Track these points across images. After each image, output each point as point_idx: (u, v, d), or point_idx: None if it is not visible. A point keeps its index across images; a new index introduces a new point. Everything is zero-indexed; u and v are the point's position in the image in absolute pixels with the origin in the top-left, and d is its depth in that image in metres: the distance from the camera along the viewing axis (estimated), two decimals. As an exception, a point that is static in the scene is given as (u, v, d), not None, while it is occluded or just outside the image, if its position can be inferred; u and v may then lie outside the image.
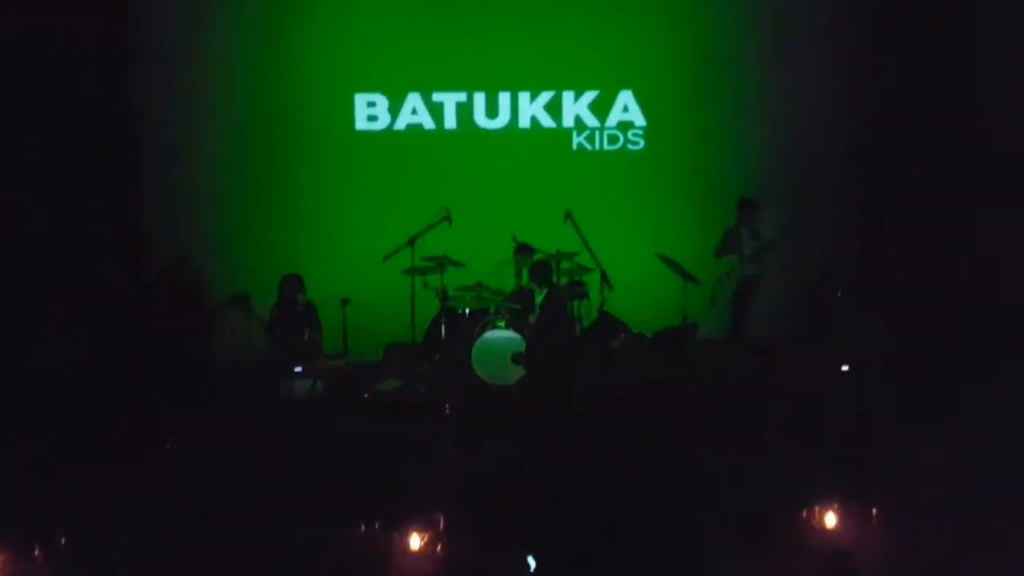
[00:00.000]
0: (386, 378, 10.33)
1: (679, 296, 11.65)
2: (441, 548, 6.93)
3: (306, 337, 9.75)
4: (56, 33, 10.68)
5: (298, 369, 9.40)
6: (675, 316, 11.81)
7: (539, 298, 10.51)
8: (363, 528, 6.96)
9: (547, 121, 12.14)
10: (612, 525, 6.85)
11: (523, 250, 11.21)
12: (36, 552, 6.63)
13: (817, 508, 7.14)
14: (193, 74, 11.77)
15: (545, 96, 12.08)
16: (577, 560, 6.73)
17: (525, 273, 11.05)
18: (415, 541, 6.90)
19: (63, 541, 6.73)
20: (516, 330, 10.66)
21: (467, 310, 11.27)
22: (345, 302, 10.76)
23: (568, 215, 11.17)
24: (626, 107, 12.16)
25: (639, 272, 11.88)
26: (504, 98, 12.09)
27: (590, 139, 12.22)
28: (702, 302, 11.65)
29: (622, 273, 11.53)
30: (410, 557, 6.87)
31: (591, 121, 12.17)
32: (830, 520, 7.15)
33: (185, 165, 11.95)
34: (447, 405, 10.00)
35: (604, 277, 11.06)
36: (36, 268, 10.47)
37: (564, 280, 11.43)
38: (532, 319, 10.31)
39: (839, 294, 11.17)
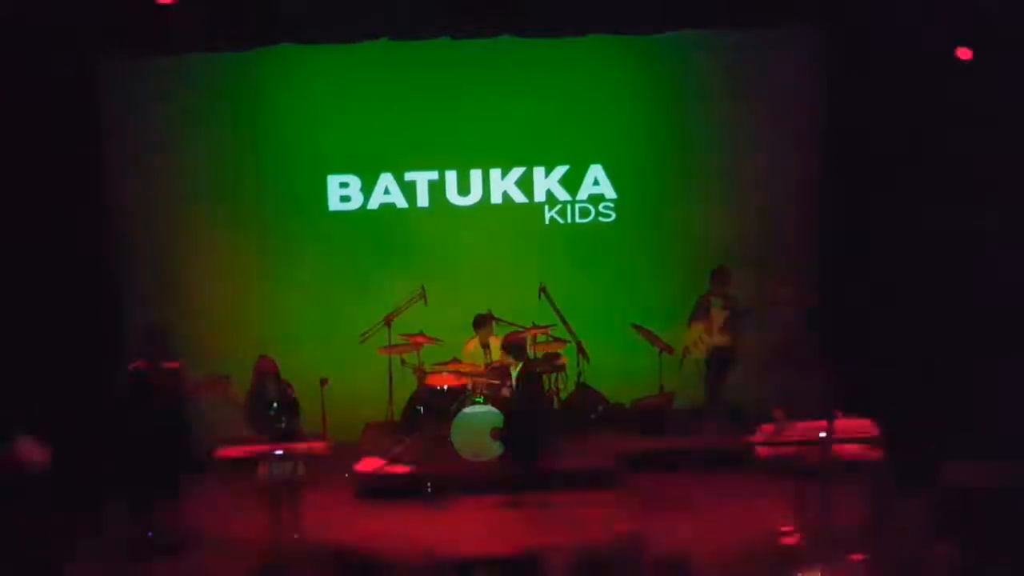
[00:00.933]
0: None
1: (655, 365, 11.77)
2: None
3: (282, 422, 9.69)
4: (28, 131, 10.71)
5: (279, 452, 9.35)
6: (651, 386, 11.92)
7: (514, 372, 10.55)
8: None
9: (519, 196, 12.27)
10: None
11: (480, 321, 11.24)
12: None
13: None
14: (167, 160, 11.85)
15: (516, 172, 12.23)
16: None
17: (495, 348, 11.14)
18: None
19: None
20: (494, 405, 10.70)
21: (445, 387, 11.30)
22: (323, 382, 10.73)
23: (543, 289, 11.27)
24: (596, 180, 12.31)
25: (614, 343, 11.99)
26: (476, 175, 12.22)
27: (562, 213, 12.36)
28: (678, 371, 11.74)
29: (598, 344, 11.63)
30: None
31: (562, 195, 12.32)
32: None
33: (160, 249, 12.00)
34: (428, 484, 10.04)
35: (580, 349, 11.14)
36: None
37: (540, 354, 11.51)
38: (506, 393, 10.33)
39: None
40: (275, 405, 9.71)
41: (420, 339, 11.21)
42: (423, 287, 11.37)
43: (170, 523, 10.14)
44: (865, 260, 11.63)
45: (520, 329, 11.37)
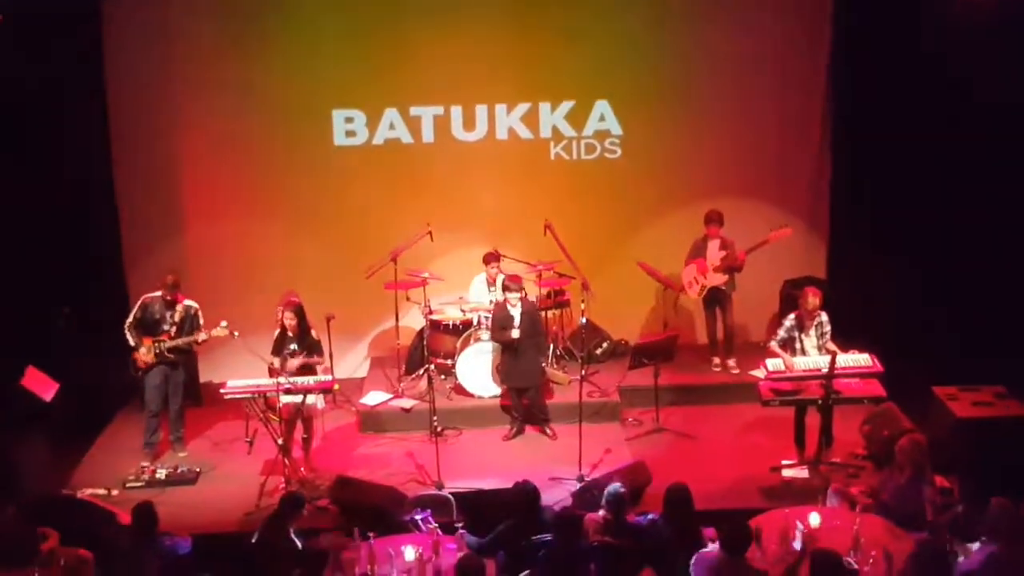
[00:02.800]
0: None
1: (659, 303, 11.83)
2: None
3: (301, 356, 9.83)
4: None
5: (286, 387, 9.44)
6: (655, 322, 11.99)
7: (514, 310, 10.54)
8: None
9: (524, 132, 12.20)
10: None
11: (488, 258, 11.31)
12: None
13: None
14: (172, 96, 11.77)
15: (522, 108, 12.13)
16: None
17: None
18: None
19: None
20: (496, 342, 10.78)
21: (450, 323, 11.38)
22: (330, 318, 10.84)
23: (548, 226, 11.27)
24: (602, 116, 12.21)
25: (619, 280, 12.01)
26: (481, 111, 12.13)
27: (567, 149, 12.29)
28: (675, 309, 11.81)
29: (603, 281, 11.65)
30: None
31: (568, 131, 12.25)
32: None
33: (164, 185, 11.96)
34: (434, 418, 10.16)
35: (585, 285, 11.18)
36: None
37: (545, 291, 11.57)
38: (516, 333, 10.37)
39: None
40: (294, 342, 9.78)
41: (426, 275, 11.25)
42: (429, 225, 11.36)
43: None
44: (877, 198, 11.60)
45: (526, 266, 11.44)
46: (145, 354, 10.05)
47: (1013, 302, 10.69)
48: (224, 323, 9.76)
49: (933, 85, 10.83)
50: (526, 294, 10.80)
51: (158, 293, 10.14)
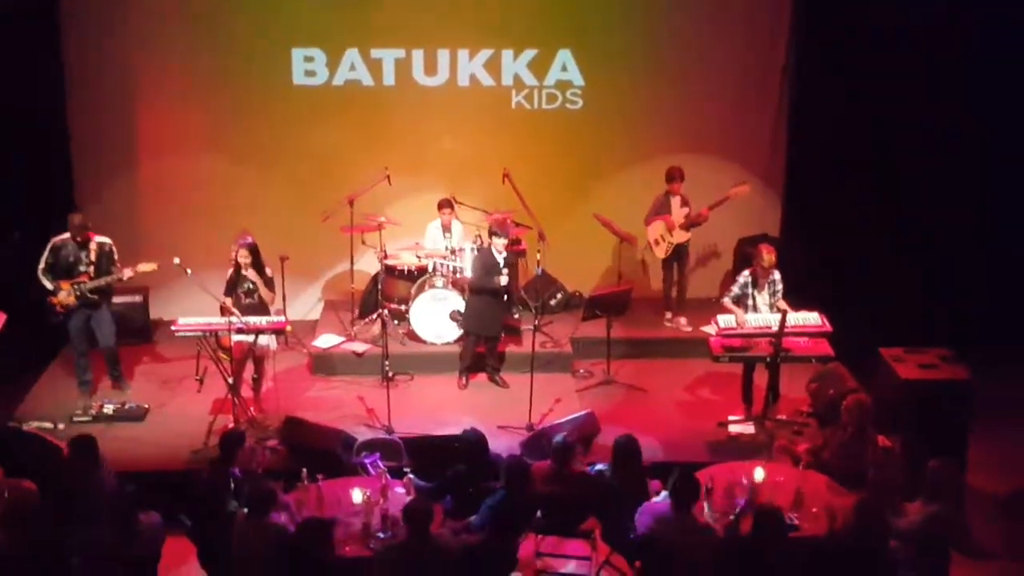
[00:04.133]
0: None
1: (615, 255, 11.86)
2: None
3: (254, 297, 9.74)
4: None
5: (238, 326, 9.38)
6: (610, 275, 12.04)
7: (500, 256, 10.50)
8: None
9: (486, 79, 12.09)
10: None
11: (443, 204, 11.26)
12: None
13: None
14: (127, 30, 11.55)
15: (484, 54, 12.02)
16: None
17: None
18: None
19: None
20: (453, 288, 10.78)
21: (405, 268, 11.35)
22: (284, 259, 10.78)
23: (506, 174, 11.24)
24: (564, 66, 12.12)
25: (576, 231, 12.02)
26: (443, 55, 11.99)
27: (528, 98, 12.20)
28: (636, 264, 11.86)
29: (559, 232, 11.67)
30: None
31: (529, 80, 12.16)
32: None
33: (116, 121, 11.78)
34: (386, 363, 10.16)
35: (541, 235, 11.18)
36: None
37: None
38: (505, 280, 10.34)
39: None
40: (250, 281, 9.72)
41: (382, 220, 11.20)
42: (387, 169, 11.29)
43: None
44: (834, 153, 11.67)
45: (482, 214, 11.43)
46: (65, 297, 9.82)
47: (965, 265, 10.88)
48: (176, 259, 9.63)
49: (894, 43, 10.91)
50: (481, 242, 10.79)
51: (66, 235, 9.87)
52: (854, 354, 9.88)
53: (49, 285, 9.85)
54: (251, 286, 9.70)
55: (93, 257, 9.89)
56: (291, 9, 11.73)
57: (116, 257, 10.03)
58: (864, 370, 9.74)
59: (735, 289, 9.73)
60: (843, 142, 11.58)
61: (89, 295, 9.91)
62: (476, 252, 10.81)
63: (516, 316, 11.24)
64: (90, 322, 10.07)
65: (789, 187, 12.33)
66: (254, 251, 9.74)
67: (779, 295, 9.65)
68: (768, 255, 9.57)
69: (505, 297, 10.74)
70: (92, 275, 9.88)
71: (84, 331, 10.08)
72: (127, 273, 9.92)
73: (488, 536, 7.28)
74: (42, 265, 9.84)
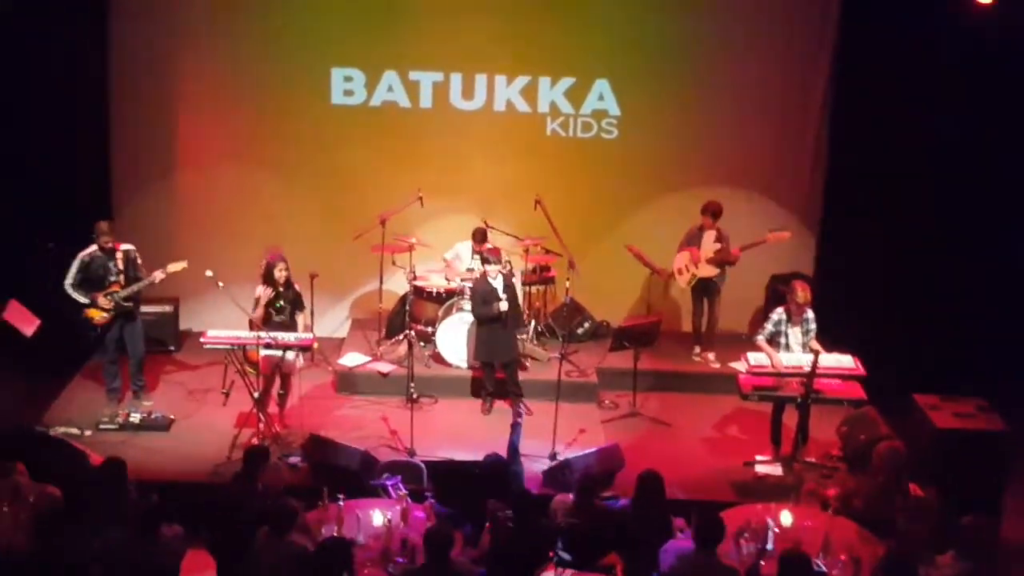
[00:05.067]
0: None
1: (645, 287, 11.80)
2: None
3: (284, 314, 9.74)
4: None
5: (266, 342, 9.37)
6: (640, 307, 11.98)
7: (495, 282, 10.45)
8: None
9: (522, 106, 12.08)
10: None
11: (479, 234, 11.20)
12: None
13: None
14: (172, 46, 11.63)
15: (522, 80, 12.03)
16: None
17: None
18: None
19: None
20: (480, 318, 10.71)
21: (434, 291, 11.32)
22: (313, 276, 10.77)
23: (538, 201, 11.20)
24: (601, 96, 12.11)
25: (606, 261, 11.97)
26: (481, 80, 12.02)
27: (564, 126, 12.19)
28: (663, 295, 11.79)
29: (589, 261, 11.62)
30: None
31: (566, 108, 12.14)
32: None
33: (159, 130, 11.83)
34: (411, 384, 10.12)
35: (571, 263, 11.14)
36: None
37: (531, 266, 11.53)
38: (505, 306, 10.29)
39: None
40: (280, 298, 9.72)
41: (413, 241, 11.18)
42: (420, 191, 11.28)
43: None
44: (872, 193, 11.58)
45: (513, 240, 11.40)
46: (102, 307, 9.82)
47: (1002, 314, 10.75)
48: (209, 272, 9.62)
49: (935, 83, 10.82)
50: (510, 268, 10.77)
51: (93, 248, 9.86)
52: (886, 398, 9.77)
53: (83, 299, 9.82)
54: (282, 304, 9.68)
55: (121, 266, 9.90)
56: (333, 29, 11.77)
57: (140, 263, 10.04)
58: (896, 415, 9.63)
59: (768, 327, 9.63)
60: (881, 182, 11.50)
61: (124, 303, 9.91)
62: (471, 282, 10.75)
63: (523, 340, 11.16)
64: (123, 331, 10.06)
65: (824, 226, 12.24)
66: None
67: (812, 334, 9.55)
68: (803, 292, 9.48)
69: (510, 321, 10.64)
70: (123, 283, 9.88)
71: (117, 340, 10.07)
72: (158, 275, 9.93)
73: (501, 567, 7.21)
74: (70, 280, 9.80)
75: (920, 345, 10.78)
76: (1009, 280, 11.22)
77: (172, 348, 11.53)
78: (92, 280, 9.84)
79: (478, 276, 10.55)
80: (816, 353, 9.22)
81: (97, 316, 9.87)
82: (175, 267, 9.89)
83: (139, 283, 9.92)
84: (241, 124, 11.92)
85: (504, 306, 10.23)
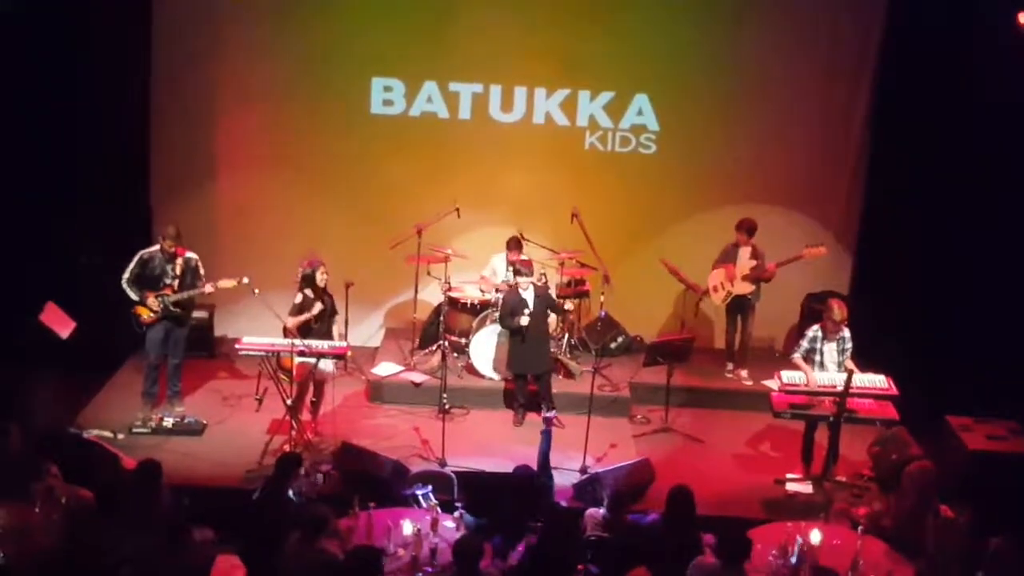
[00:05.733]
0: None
1: (679, 303, 11.78)
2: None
3: (320, 322, 9.82)
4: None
5: (300, 349, 9.43)
6: (673, 322, 11.96)
7: (526, 293, 10.48)
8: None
9: (561, 119, 12.13)
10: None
11: (514, 245, 11.21)
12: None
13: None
14: (211, 55, 11.73)
15: (561, 94, 12.07)
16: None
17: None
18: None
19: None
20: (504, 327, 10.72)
21: (469, 301, 11.36)
22: (349, 284, 10.84)
23: (575, 214, 11.23)
24: (640, 111, 12.14)
25: (641, 275, 11.98)
26: (520, 92, 12.07)
27: (602, 140, 12.23)
28: (696, 311, 11.77)
29: (624, 275, 11.64)
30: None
31: (605, 122, 12.17)
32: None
33: (196, 143, 11.95)
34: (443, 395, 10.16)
35: (606, 277, 11.14)
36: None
37: (566, 279, 11.55)
38: (526, 320, 10.32)
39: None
40: (317, 308, 9.78)
41: (448, 252, 11.23)
42: (456, 202, 11.33)
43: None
44: (909, 213, 11.52)
45: (549, 253, 11.43)
46: (151, 308, 9.90)
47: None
48: (245, 279, 9.74)
49: (976, 108, 10.75)
50: (545, 280, 10.79)
51: (155, 248, 9.98)
52: (919, 419, 9.70)
53: (134, 296, 9.91)
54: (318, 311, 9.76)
55: (179, 271, 9.98)
56: (375, 38, 11.85)
57: (202, 272, 10.13)
58: (928, 436, 9.55)
59: (804, 344, 9.60)
60: (919, 202, 11.43)
61: (172, 308, 9.99)
62: (503, 293, 10.80)
63: (557, 353, 11.18)
64: (168, 335, 10.15)
65: (861, 244, 12.18)
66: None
67: (848, 353, 9.51)
68: (839, 310, 9.44)
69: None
70: (175, 288, 9.97)
71: (161, 343, 10.14)
72: (208, 288, 10.03)
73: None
74: (127, 275, 9.90)
75: (954, 366, 10.67)
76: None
77: (207, 354, 11.61)
78: (148, 279, 9.92)
79: (510, 287, 10.59)
80: (850, 372, 9.19)
81: (145, 314, 9.94)
82: (226, 283, 9.95)
83: (190, 291, 10.01)
84: (280, 132, 12.01)
85: (525, 321, 10.27)
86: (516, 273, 10.50)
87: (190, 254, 10.12)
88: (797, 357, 9.56)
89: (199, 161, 12.02)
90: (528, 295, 10.37)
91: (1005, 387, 10.27)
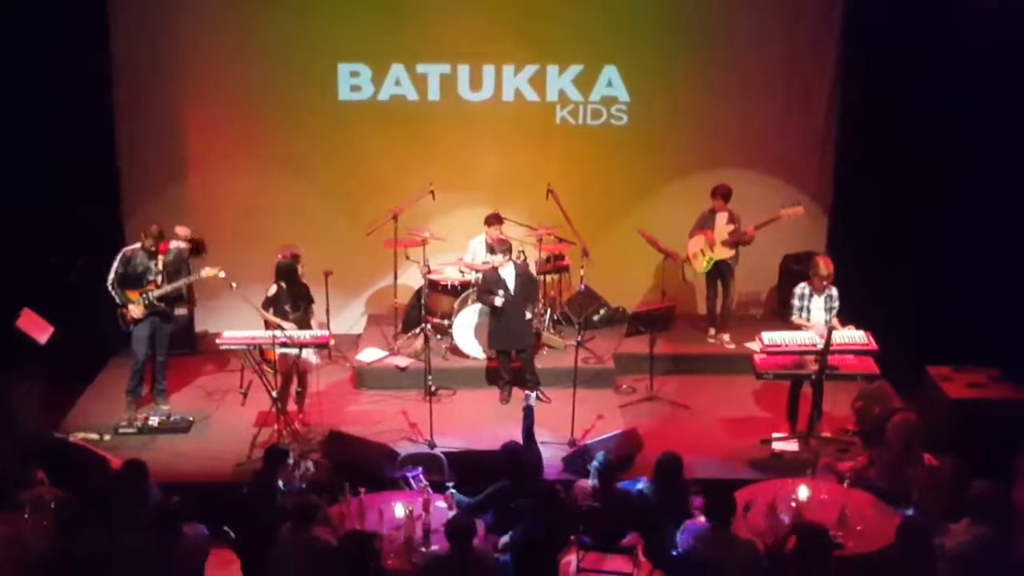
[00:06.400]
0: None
1: (658, 272, 11.82)
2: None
3: (299, 310, 9.80)
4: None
5: (282, 340, 9.43)
6: (654, 292, 12.00)
7: (504, 272, 10.49)
8: None
9: (531, 95, 12.11)
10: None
11: (493, 219, 11.20)
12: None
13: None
14: (176, 44, 11.68)
15: (530, 70, 12.04)
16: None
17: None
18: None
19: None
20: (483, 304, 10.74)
21: (449, 283, 11.38)
22: (328, 273, 10.84)
23: (550, 190, 11.24)
24: (610, 82, 12.12)
25: (619, 247, 12.01)
26: (488, 71, 12.04)
27: (573, 113, 12.22)
28: (679, 280, 11.81)
29: (602, 248, 11.65)
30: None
31: (575, 95, 12.16)
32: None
33: (166, 132, 11.90)
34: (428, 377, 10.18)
35: (585, 251, 11.17)
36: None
37: (544, 255, 11.58)
38: (500, 301, 10.33)
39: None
40: (294, 297, 9.78)
41: (426, 235, 11.24)
42: (431, 184, 11.33)
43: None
44: (882, 170, 11.56)
45: (527, 230, 11.46)
46: (135, 308, 9.88)
47: (1015, 283, 10.69)
48: (222, 272, 9.72)
49: (945, 60, 10.78)
50: (524, 258, 10.80)
51: (137, 245, 9.93)
52: (900, 373, 9.77)
53: (118, 298, 9.86)
54: (291, 305, 9.75)
55: (162, 266, 9.95)
56: (339, 24, 11.80)
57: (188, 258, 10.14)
58: (910, 389, 9.63)
59: (795, 302, 9.66)
60: (891, 159, 11.46)
61: (156, 303, 9.96)
62: (484, 272, 10.82)
63: (539, 329, 11.21)
64: (155, 332, 10.13)
65: (836, 204, 12.23)
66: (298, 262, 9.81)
67: (835, 310, 9.56)
68: (825, 266, 9.50)
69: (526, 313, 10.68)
70: (159, 284, 9.93)
71: (147, 341, 10.12)
72: (192, 279, 10.03)
73: (526, 553, 7.27)
74: (112, 277, 9.84)
75: (933, 318, 10.76)
76: (1020, 251, 11.20)
77: (189, 350, 11.60)
78: (131, 277, 9.88)
79: (493, 265, 10.61)
80: (830, 330, 9.24)
81: (131, 314, 9.91)
82: (209, 272, 9.88)
83: (172, 284, 9.97)
84: (249, 123, 11.97)
85: (499, 301, 10.30)
86: (489, 250, 10.52)
87: (176, 242, 10.13)
88: (795, 318, 9.62)
89: (168, 157, 11.98)
90: (508, 273, 10.39)
91: (983, 335, 10.38)
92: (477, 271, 11.16)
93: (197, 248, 10.43)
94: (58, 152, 11.14)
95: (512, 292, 10.36)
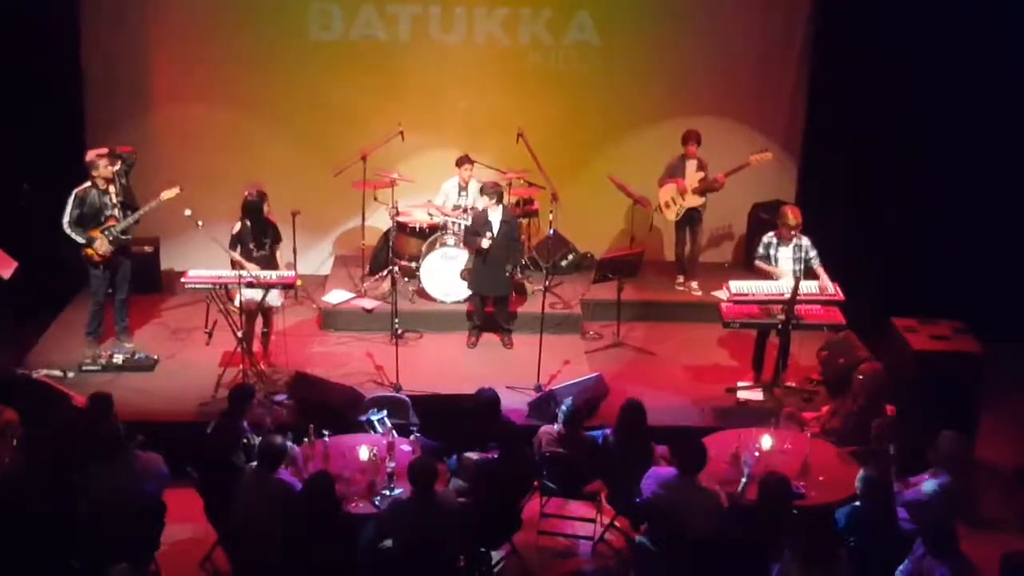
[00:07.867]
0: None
1: (628, 217, 11.80)
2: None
3: (264, 249, 9.70)
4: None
5: (248, 280, 9.34)
6: (623, 237, 11.99)
7: (493, 215, 10.44)
8: None
9: (503, 38, 11.99)
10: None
11: (464, 160, 11.14)
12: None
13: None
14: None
15: (501, 12, 11.91)
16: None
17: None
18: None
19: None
20: (465, 247, 10.71)
21: (417, 225, 11.32)
22: (295, 213, 10.75)
23: (520, 134, 11.16)
24: (582, 27, 12.03)
25: (589, 193, 11.96)
26: (460, 12, 11.89)
27: (545, 57, 12.10)
28: (648, 227, 11.78)
29: (572, 193, 11.61)
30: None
31: (546, 39, 12.05)
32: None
33: (133, 65, 11.72)
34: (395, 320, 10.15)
35: (554, 196, 11.12)
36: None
37: (513, 199, 11.52)
38: (487, 243, 10.27)
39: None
40: (259, 235, 9.67)
41: (395, 176, 11.14)
42: (400, 125, 11.22)
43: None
44: (854, 120, 11.54)
45: (496, 173, 11.38)
46: (100, 246, 9.70)
47: (980, 237, 10.80)
48: (188, 211, 9.57)
49: (919, 10, 10.75)
50: (511, 202, 10.74)
51: (87, 184, 9.70)
52: (866, 323, 9.83)
53: (80, 238, 9.66)
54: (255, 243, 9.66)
55: (115, 199, 9.77)
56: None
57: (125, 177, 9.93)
58: (875, 339, 9.70)
59: (760, 250, 9.68)
60: (863, 109, 11.45)
61: (121, 236, 9.82)
62: (472, 215, 10.76)
63: (518, 275, 11.17)
64: (117, 269, 9.98)
65: (806, 153, 12.22)
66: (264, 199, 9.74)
67: (803, 260, 9.55)
68: (794, 215, 9.50)
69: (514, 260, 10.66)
70: (119, 217, 9.79)
71: (107, 280, 9.97)
72: (152, 205, 9.86)
73: (488, 496, 7.30)
74: (67, 218, 9.62)
75: (899, 269, 10.82)
76: (988, 205, 11.26)
77: (154, 289, 11.49)
78: (88, 216, 9.68)
79: (480, 209, 10.55)
80: (797, 280, 9.26)
81: (96, 253, 9.74)
82: (168, 194, 9.75)
83: (134, 215, 9.81)
84: (217, 61, 11.78)
85: (486, 243, 10.25)
86: (482, 192, 10.47)
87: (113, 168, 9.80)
88: (759, 263, 9.64)
89: (134, 94, 11.79)
90: (495, 217, 10.34)
91: (949, 288, 10.47)
92: (445, 215, 11.10)
93: (123, 159, 10.08)
94: (24, 85, 10.92)
95: (496, 236, 10.30)
